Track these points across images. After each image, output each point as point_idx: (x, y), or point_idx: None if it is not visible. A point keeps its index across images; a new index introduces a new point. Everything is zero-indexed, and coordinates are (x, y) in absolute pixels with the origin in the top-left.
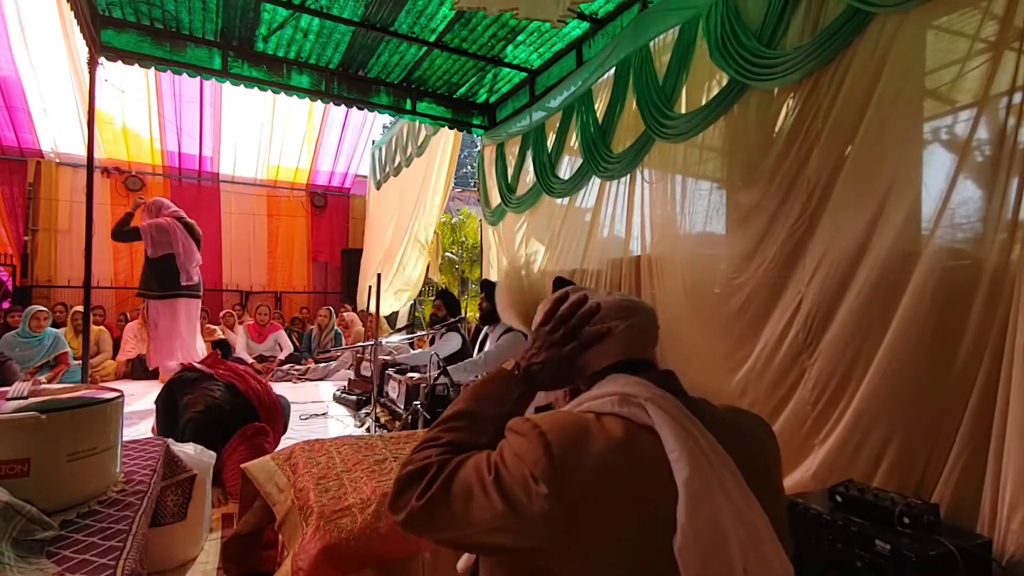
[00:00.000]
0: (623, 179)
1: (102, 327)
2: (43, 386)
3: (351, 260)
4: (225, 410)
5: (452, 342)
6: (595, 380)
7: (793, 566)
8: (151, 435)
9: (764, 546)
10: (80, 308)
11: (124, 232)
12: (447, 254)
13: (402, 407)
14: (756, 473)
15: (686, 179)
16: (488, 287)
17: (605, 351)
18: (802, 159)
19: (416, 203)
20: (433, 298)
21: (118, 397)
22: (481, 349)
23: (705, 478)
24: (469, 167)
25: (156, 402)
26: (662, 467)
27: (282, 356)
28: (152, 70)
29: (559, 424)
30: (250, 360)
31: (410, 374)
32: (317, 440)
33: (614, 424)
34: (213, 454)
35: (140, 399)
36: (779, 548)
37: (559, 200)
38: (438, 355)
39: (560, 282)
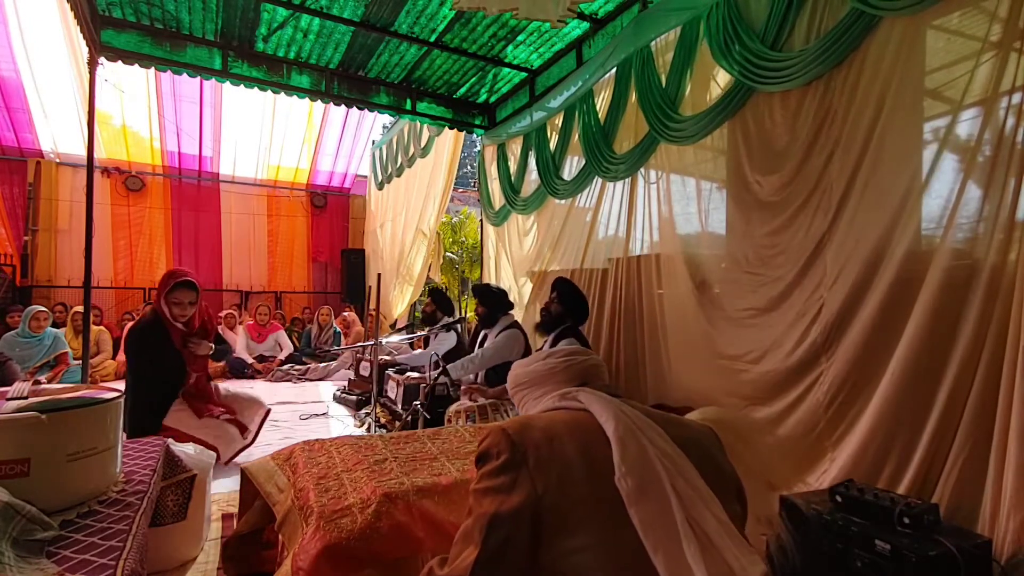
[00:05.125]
0: (625, 179)
1: (102, 327)
2: (43, 386)
3: (351, 260)
4: None
5: (447, 340)
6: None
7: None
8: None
9: (690, 476)
10: (80, 308)
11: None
12: (447, 254)
13: (402, 407)
14: (685, 447)
15: (698, 180)
16: (480, 292)
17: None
18: (822, 162)
19: (420, 203)
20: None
21: (118, 397)
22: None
23: (628, 427)
24: (469, 167)
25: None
26: (598, 432)
27: (282, 356)
28: (152, 70)
29: (512, 420)
30: (250, 360)
31: (409, 374)
32: (317, 440)
33: (554, 411)
34: (213, 454)
35: None
36: (702, 482)
37: (561, 200)
38: (438, 355)
39: (561, 283)
